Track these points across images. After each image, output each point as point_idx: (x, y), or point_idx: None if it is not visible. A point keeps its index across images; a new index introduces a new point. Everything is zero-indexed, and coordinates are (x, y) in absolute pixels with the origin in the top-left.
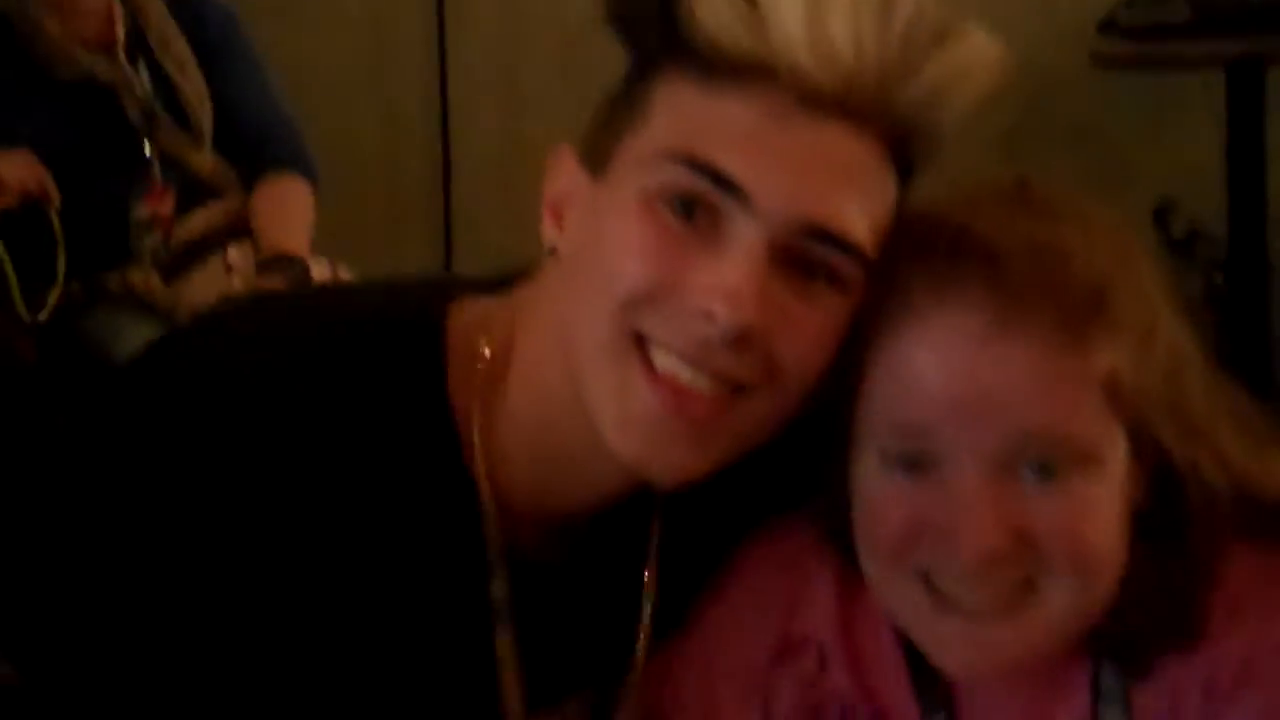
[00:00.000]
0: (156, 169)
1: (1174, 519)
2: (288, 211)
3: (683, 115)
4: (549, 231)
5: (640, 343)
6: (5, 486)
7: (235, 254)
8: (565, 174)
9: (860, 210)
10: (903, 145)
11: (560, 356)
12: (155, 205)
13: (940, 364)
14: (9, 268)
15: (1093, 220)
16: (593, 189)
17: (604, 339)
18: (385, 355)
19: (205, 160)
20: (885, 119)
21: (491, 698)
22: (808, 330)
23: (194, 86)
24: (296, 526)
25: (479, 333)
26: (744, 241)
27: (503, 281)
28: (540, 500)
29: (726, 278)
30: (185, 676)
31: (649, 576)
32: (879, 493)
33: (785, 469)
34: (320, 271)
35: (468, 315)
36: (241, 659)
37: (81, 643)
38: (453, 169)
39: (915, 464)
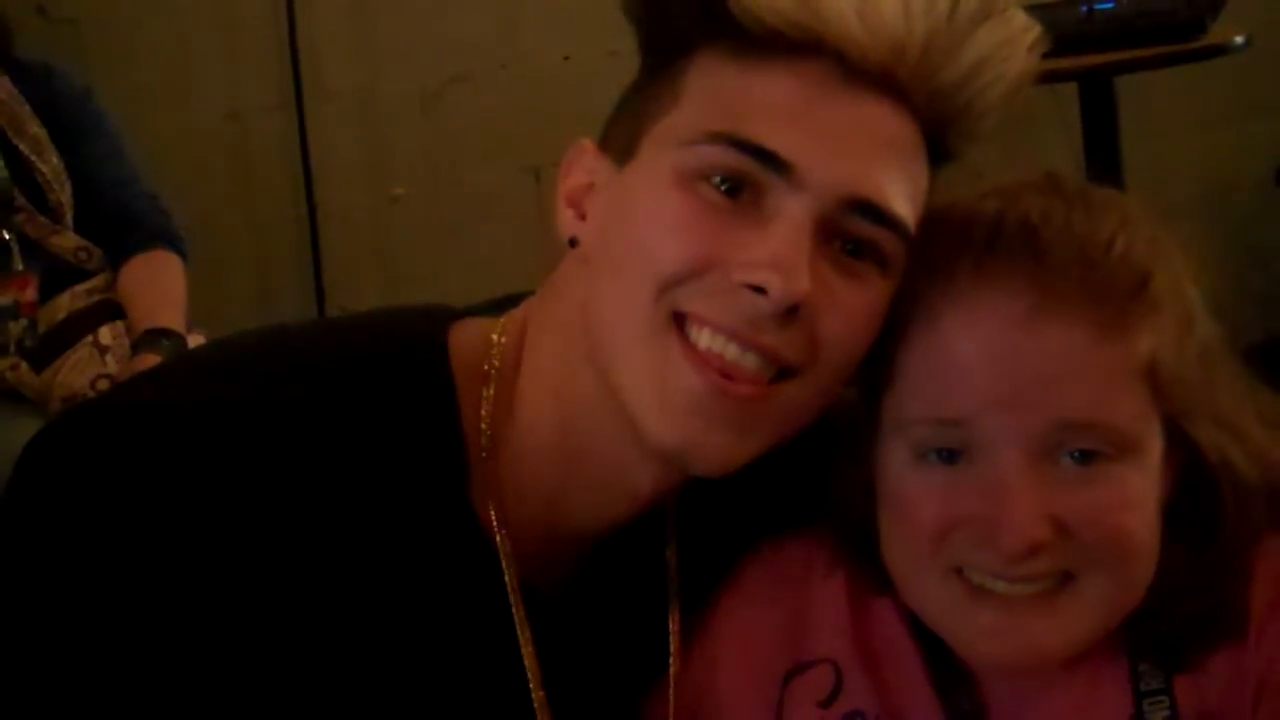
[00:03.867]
0: (16, 254)
1: (1205, 512)
2: (160, 287)
3: (720, 94)
4: (567, 223)
5: (679, 323)
6: None
7: (107, 334)
8: (584, 166)
9: (902, 186)
10: (938, 129)
11: (583, 352)
12: (17, 292)
13: (982, 350)
14: None
15: (1128, 210)
16: (618, 176)
17: (642, 320)
18: (393, 388)
19: (68, 241)
20: (927, 94)
21: None
22: (853, 309)
23: (51, 167)
24: (308, 573)
25: (482, 352)
26: (790, 215)
27: (492, 305)
28: (551, 526)
29: (776, 250)
30: None
31: (672, 592)
32: (912, 485)
33: (796, 479)
34: (197, 345)
35: (467, 336)
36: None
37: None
38: (320, 233)
39: (951, 454)
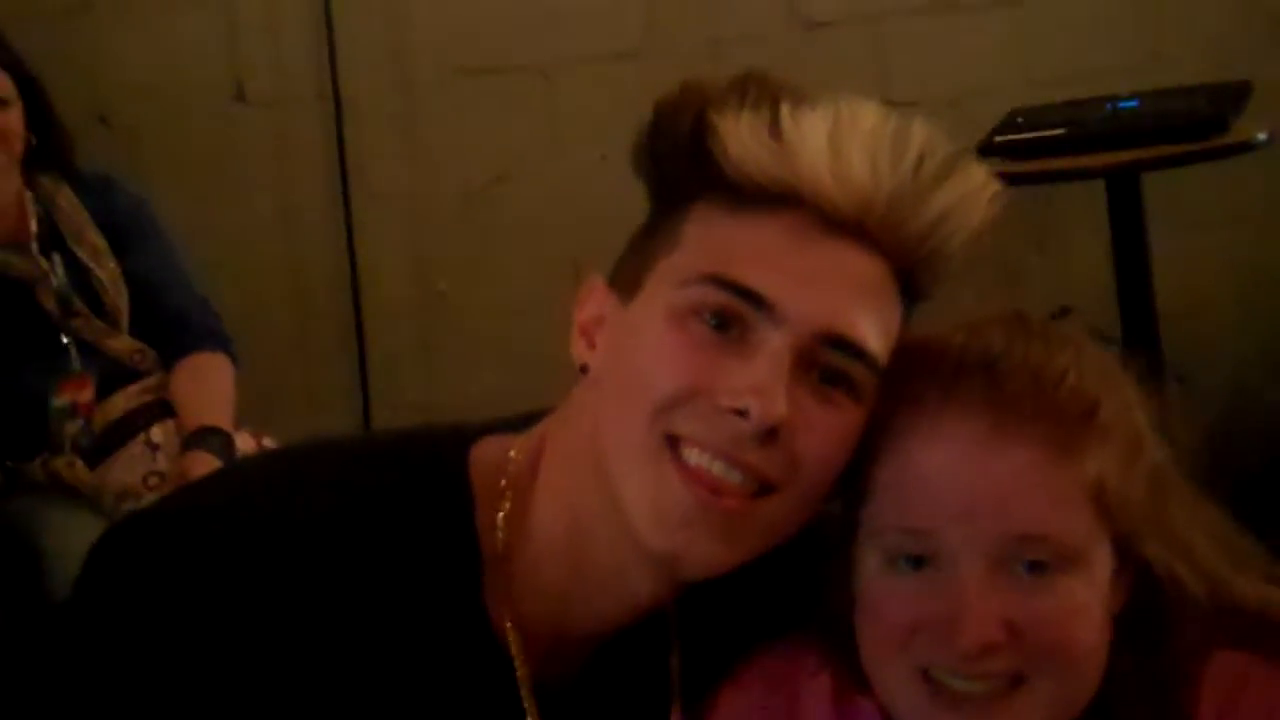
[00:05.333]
0: (74, 356)
1: (1155, 624)
2: (209, 387)
3: (712, 240)
4: (580, 352)
5: (673, 444)
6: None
7: (159, 433)
8: (595, 300)
9: (873, 322)
10: (908, 272)
11: (591, 468)
12: (75, 393)
13: (943, 467)
14: None
15: (1084, 348)
16: (623, 311)
17: (639, 441)
18: (417, 501)
19: (123, 344)
20: (895, 242)
21: None
22: (827, 431)
23: (108, 273)
24: (336, 669)
25: (500, 467)
26: (771, 348)
27: (514, 421)
28: (559, 626)
29: (757, 378)
30: None
31: (674, 693)
32: (882, 590)
33: (791, 587)
34: (245, 443)
35: (487, 454)
36: None
37: None
38: (365, 330)
39: (918, 561)
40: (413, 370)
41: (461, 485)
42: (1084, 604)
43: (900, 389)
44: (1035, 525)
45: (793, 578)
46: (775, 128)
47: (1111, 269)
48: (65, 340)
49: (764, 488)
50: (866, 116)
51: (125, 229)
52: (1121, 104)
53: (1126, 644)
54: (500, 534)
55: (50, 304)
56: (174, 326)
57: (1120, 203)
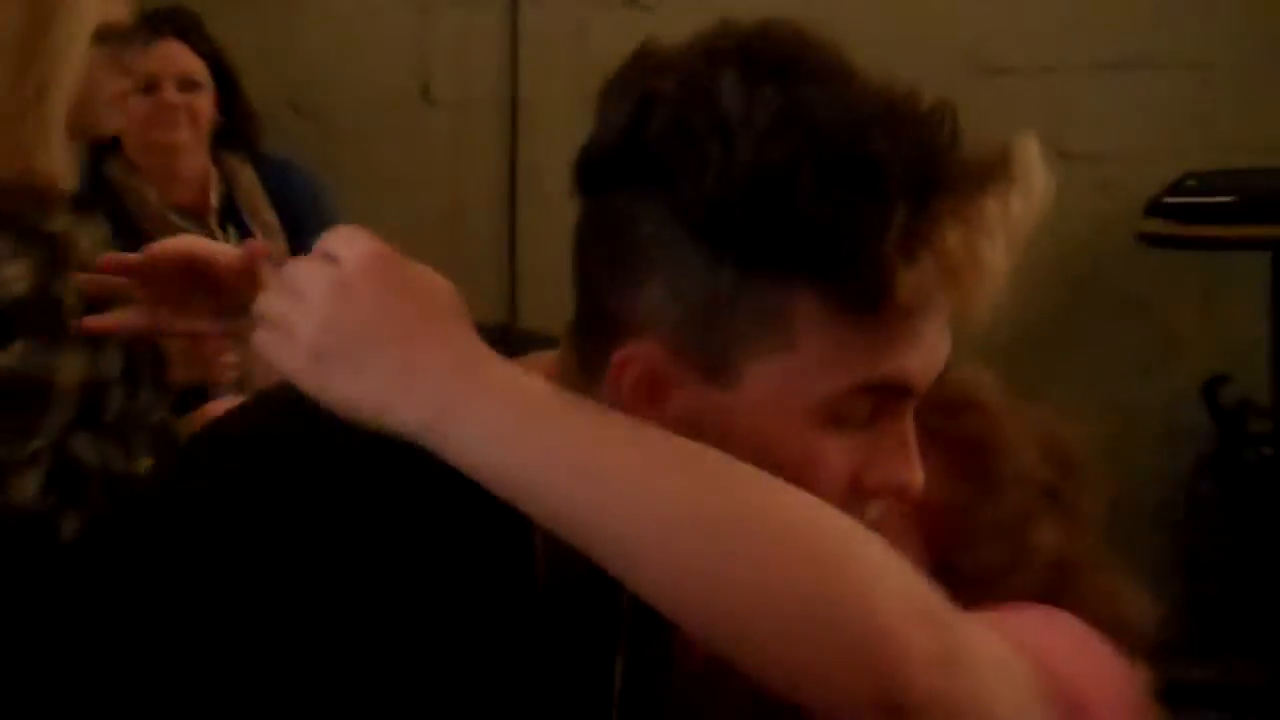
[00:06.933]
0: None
1: None
2: None
3: (843, 349)
4: (636, 407)
5: None
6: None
7: None
8: (649, 360)
9: None
10: None
11: None
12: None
13: None
14: None
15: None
16: (716, 393)
17: None
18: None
19: None
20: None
21: None
22: None
23: (277, 250)
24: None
25: None
26: (907, 425)
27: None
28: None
29: (910, 468)
30: None
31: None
32: None
33: None
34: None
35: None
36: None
37: None
38: (520, 320)
39: None
40: None
41: None
42: None
43: None
44: None
45: None
46: (945, 257)
47: (1271, 337)
48: None
49: None
50: (1011, 221)
51: (299, 211)
52: None
53: None
54: None
55: None
56: None
57: None
